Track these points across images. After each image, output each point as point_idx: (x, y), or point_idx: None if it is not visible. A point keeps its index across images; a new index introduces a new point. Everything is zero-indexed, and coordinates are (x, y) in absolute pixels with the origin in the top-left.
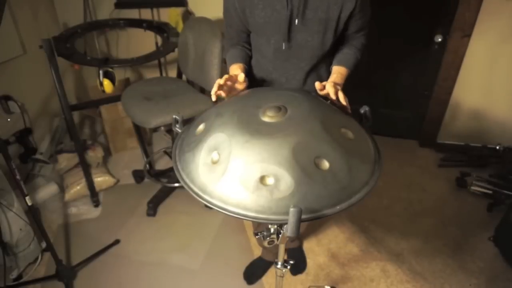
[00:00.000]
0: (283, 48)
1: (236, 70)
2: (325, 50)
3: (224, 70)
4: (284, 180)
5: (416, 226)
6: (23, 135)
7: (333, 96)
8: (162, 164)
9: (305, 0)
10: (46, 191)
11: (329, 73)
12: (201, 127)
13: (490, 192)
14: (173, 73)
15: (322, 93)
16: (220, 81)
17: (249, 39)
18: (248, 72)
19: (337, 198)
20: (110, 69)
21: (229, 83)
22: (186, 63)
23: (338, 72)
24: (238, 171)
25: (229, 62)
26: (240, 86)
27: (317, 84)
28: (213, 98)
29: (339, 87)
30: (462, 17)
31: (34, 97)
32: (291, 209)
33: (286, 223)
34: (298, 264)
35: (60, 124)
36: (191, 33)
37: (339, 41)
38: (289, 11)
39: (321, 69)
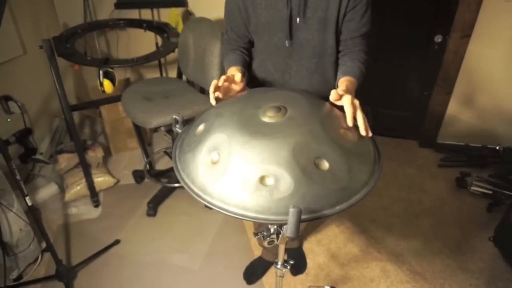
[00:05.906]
0: (286, 45)
1: (233, 71)
2: (325, 49)
3: (224, 71)
4: (283, 181)
5: (416, 227)
6: (23, 135)
7: (349, 114)
8: (162, 164)
9: None
10: (46, 191)
11: (335, 76)
12: (201, 127)
13: (490, 192)
14: (173, 74)
15: (337, 102)
16: (216, 82)
17: (248, 45)
18: (249, 76)
19: (337, 198)
20: (110, 69)
21: (226, 83)
22: (186, 63)
23: (347, 80)
24: (238, 172)
25: (227, 66)
26: (237, 86)
27: (333, 94)
28: (213, 102)
29: (357, 105)
30: (462, 18)
31: (34, 97)
32: (291, 210)
33: (286, 223)
34: (298, 264)
35: (60, 124)
36: (191, 33)
37: (342, 47)
38: (289, 10)
39: (327, 73)
